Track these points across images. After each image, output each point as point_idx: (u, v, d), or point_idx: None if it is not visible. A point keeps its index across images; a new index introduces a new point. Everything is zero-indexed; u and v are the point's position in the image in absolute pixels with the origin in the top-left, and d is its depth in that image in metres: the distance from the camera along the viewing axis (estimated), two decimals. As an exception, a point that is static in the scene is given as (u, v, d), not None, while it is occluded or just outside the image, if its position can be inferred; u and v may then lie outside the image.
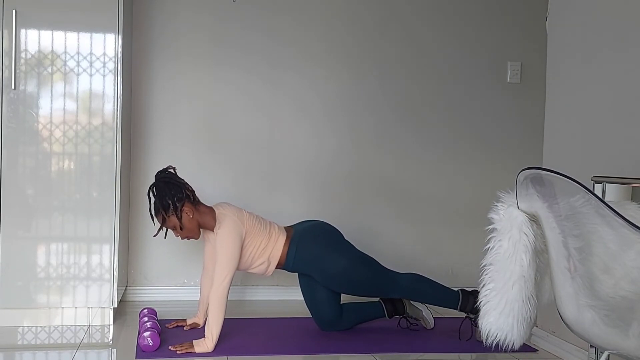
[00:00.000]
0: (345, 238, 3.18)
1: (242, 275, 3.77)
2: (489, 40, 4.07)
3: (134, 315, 3.34)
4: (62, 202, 3.12)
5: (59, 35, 3.09)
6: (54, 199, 3.12)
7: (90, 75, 3.12)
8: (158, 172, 3.03)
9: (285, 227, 3.14)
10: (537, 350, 3.01)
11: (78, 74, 3.11)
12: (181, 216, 2.94)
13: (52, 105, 3.10)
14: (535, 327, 3.08)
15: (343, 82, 3.94)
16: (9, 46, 3.03)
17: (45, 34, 3.08)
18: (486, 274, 2.44)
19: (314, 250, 3.06)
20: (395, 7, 3.97)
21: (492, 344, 2.42)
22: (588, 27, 2.85)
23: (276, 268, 3.11)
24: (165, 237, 3.07)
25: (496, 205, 2.37)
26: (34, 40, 3.07)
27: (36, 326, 3.12)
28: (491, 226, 2.38)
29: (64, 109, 3.11)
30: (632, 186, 2.28)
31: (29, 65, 3.07)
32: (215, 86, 3.82)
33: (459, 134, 4.05)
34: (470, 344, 3.04)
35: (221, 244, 2.90)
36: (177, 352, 2.77)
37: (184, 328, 3.13)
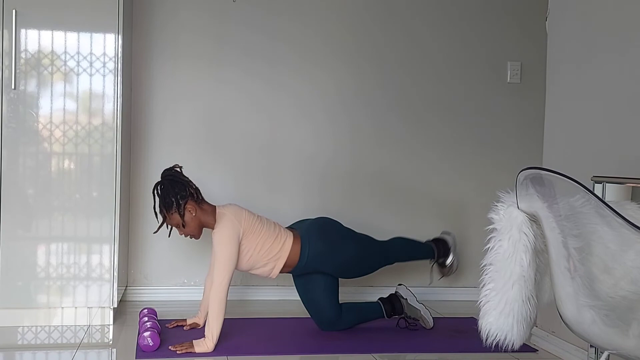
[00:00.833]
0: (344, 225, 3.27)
1: (242, 275, 3.77)
2: (489, 40, 4.07)
3: (134, 315, 3.34)
4: (62, 202, 3.12)
5: (59, 35, 3.09)
6: (54, 199, 3.12)
7: (90, 75, 3.12)
8: (164, 170, 3.04)
9: (289, 229, 3.15)
10: (537, 350, 3.01)
11: (78, 74, 3.12)
12: (184, 214, 2.94)
13: (52, 105, 3.10)
14: (535, 327, 3.08)
15: (343, 81, 3.94)
16: (9, 46, 3.03)
17: (45, 34, 3.08)
18: (486, 274, 2.44)
19: (323, 245, 3.08)
20: (396, 7, 3.97)
21: (492, 343, 2.42)
22: (588, 27, 2.85)
23: (284, 271, 3.11)
24: (169, 236, 3.08)
25: (496, 205, 2.37)
26: (34, 40, 3.07)
27: (36, 326, 3.12)
28: (491, 226, 2.38)
29: (64, 109, 3.11)
30: (632, 186, 2.28)
31: (29, 65, 3.07)
32: (215, 86, 3.82)
33: (459, 133, 4.05)
34: (470, 344, 3.03)
35: (217, 244, 2.91)
36: (177, 352, 2.77)
37: (184, 328, 3.13)
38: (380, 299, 3.27)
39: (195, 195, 2.99)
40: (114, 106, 3.14)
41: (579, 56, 2.90)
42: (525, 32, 4.07)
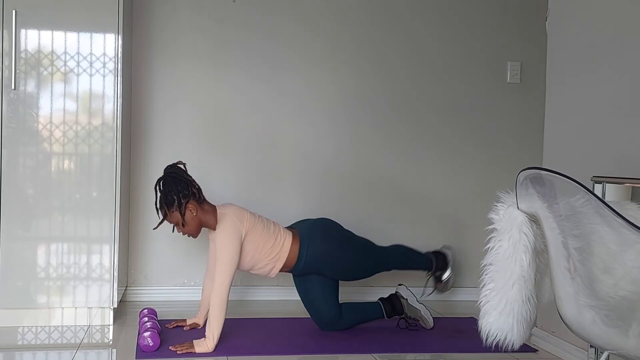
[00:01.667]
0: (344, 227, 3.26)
1: (242, 275, 3.77)
2: (489, 40, 4.07)
3: (134, 315, 3.34)
4: (62, 202, 3.12)
5: (59, 35, 3.09)
6: (54, 199, 3.12)
7: (90, 75, 3.12)
8: (168, 166, 3.04)
9: (289, 229, 3.15)
10: (537, 350, 3.01)
11: (78, 74, 3.12)
12: (184, 213, 2.94)
13: (52, 105, 3.10)
14: (535, 327, 3.08)
15: (343, 82, 3.94)
16: (9, 46, 3.03)
17: (45, 34, 3.08)
18: (486, 274, 2.44)
19: (323, 247, 3.09)
20: (395, 8, 3.97)
21: (492, 344, 2.42)
22: (588, 27, 2.85)
23: (283, 271, 3.12)
24: (173, 231, 3.08)
25: (496, 205, 2.37)
26: (34, 40, 3.07)
27: (36, 326, 3.12)
28: (491, 226, 2.38)
29: (64, 109, 3.11)
30: (632, 186, 2.28)
31: (29, 65, 3.07)
32: (215, 86, 3.82)
33: (459, 133, 4.05)
34: (470, 344, 3.04)
35: (220, 244, 2.91)
36: (178, 352, 2.77)
37: (184, 328, 3.13)
38: (380, 299, 3.27)
39: (197, 195, 2.99)
40: (114, 106, 3.14)
41: (578, 56, 2.90)
42: (525, 32, 4.07)
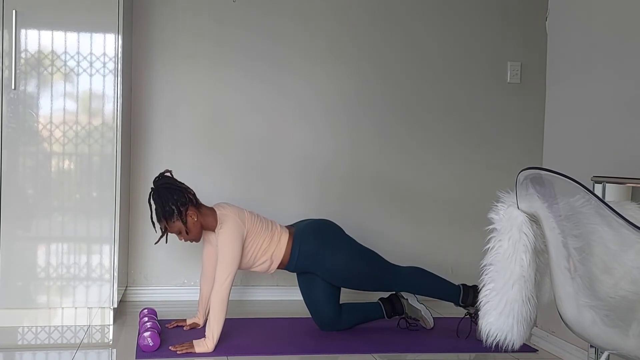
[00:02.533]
0: (346, 233, 3.20)
1: (242, 275, 3.77)
2: (489, 40, 4.07)
3: (134, 315, 3.34)
4: (62, 202, 3.12)
5: (59, 35, 3.09)
6: (54, 199, 3.12)
7: (90, 75, 3.12)
8: (156, 179, 3.01)
9: (287, 227, 3.15)
10: (537, 350, 3.01)
11: (78, 74, 3.12)
12: (186, 220, 2.94)
13: (52, 105, 3.10)
14: (535, 327, 3.08)
15: (343, 82, 3.94)
16: (9, 46, 3.03)
17: (45, 34, 3.08)
18: (486, 274, 2.44)
19: (315, 246, 3.07)
20: (395, 8, 3.97)
21: (492, 344, 2.42)
22: (588, 27, 2.85)
23: (280, 268, 3.12)
24: (166, 242, 3.07)
25: (496, 205, 2.37)
26: (34, 40, 3.07)
27: (36, 326, 3.12)
28: (491, 226, 2.38)
29: (64, 109, 3.11)
30: (632, 186, 2.28)
31: (29, 65, 3.07)
32: (215, 86, 3.82)
33: (459, 134, 4.05)
34: (470, 344, 3.04)
35: (223, 244, 2.91)
36: (177, 352, 2.77)
37: (184, 328, 3.13)
38: (380, 299, 3.27)
39: (194, 200, 2.98)
40: (114, 106, 3.14)
41: (578, 56, 2.90)
42: (525, 32, 4.07)
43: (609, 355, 2.07)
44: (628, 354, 1.88)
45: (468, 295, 3.15)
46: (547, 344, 3.02)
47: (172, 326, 3.15)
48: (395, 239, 3.99)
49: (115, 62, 3.13)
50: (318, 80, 3.91)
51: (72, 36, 3.10)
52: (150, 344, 2.78)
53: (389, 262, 3.18)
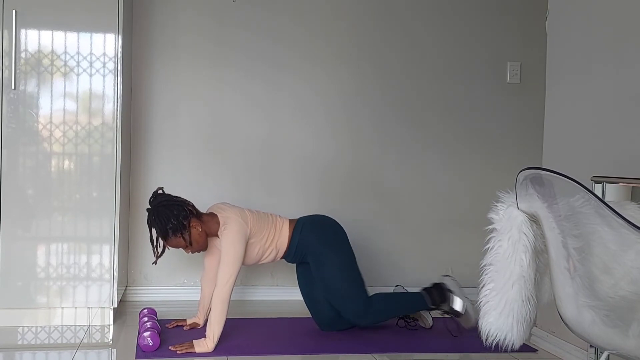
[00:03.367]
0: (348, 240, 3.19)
1: (242, 275, 3.78)
2: (489, 40, 4.07)
3: (134, 315, 3.34)
4: (62, 202, 3.12)
5: (59, 35, 3.09)
6: (54, 199, 3.12)
7: (90, 75, 3.12)
8: (151, 199, 2.97)
9: (290, 219, 3.16)
10: (537, 350, 3.01)
11: (78, 74, 3.12)
12: (190, 233, 2.93)
13: (52, 105, 3.10)
14: (535, 327, 3.08)
15: (343, 83, 3.93)
16: (9, 46, 3.03)
17: (45, 34, 3.08)
18: (486, 274, 2.44)
19: (316, 236, 3.08)
20: (395, 8, 3.97)
21: (492, 344, 2.42)
22: (588, 27, 2.85)
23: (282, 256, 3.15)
24: (155, 263, 3.01)
25: (496, 205, 2.37)
26: (34, 40, 3.07)
27: (36, 326, 3.12)
28: (491, 226, 2.38)
29: (64, 109, 3.11)
30: (632, 186, 2.28)
31: (29, 65, 3.07)
32: (215, 86, 3.82)
33: (459, 134, 4.05)
34: (470, 344, 3.03)
35: (226, 245, 2.90)
36: (177, 352, 2.77)
37: (184, 328, 3.13)
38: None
39: (193, 210, 2.98)
40: (114, 106, 3.14)
41: (578, 56, 2.90)
42: (525, 32, 4.07)
43: (608, 355, 2.07)
44: (628, 354, 1.89)
45: (433, 295, 3.16)
46: (547, 344, 3.02)
47: (172, 326, 3.15)
48: (395, 239, 3.99)
49: (115, 62, 3.13)
50: (318, 80, 3.91)
51: (72, 36, 3.10)
52: (150, 344, 2.78)
53: (366, 293, 3.10)
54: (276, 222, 3.09)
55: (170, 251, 3.75)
